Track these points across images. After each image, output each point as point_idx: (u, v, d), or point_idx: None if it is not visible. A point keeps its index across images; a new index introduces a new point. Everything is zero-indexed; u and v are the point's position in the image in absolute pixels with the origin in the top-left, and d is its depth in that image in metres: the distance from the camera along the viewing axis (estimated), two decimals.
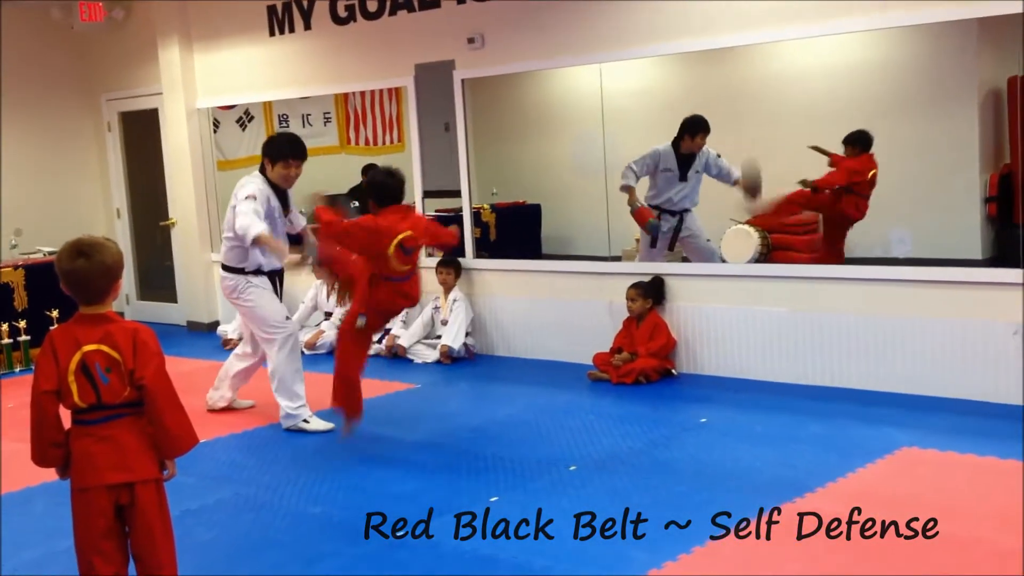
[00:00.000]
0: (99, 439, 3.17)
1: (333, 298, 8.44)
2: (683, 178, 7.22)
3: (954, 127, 6.64)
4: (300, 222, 6.19)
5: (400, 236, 5.21)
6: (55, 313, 8.11)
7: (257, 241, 5.60)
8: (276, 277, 6.05)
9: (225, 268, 5.97)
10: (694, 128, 7.12)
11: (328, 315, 8.48)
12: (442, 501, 4.54)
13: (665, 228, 7.25)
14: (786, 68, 7.16)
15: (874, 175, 6.64)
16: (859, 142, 6.65)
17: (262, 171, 5.93)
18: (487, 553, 3.95)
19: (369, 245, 5.27)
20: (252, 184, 5.85)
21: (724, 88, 7.57)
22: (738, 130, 7.56)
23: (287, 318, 6.02)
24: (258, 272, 5.93)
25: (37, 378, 3.18)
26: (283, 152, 5.89)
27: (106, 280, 3.19)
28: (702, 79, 7.65)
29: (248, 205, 5.69)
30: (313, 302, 8.58)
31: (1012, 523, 3.95)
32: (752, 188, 7.06)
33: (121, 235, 10.56)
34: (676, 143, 7.19)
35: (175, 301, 10.15)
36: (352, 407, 5.53)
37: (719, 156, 7.19)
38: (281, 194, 5.98)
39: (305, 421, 5.89)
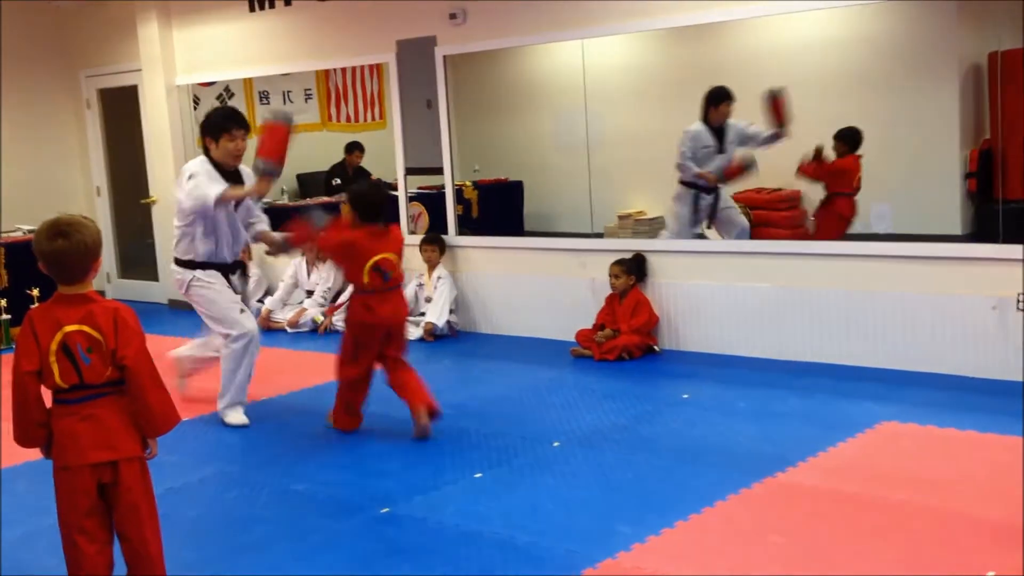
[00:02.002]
0: (82, 418, 3.16)
1: (314, 276, 8.46)
2: (721, 150, 7.09)
3: (935, 103, 6.66)
4: (261, 219, 5.83)
5: (375, 258, 5.08)
6: (35, 292, 8.06)
7: (222, 199, 5.25)
8: (231, 271, 5.64)
9: (176, 261, 5.61)
10: (716, 98, 7.01)
11: (309, 293, 8.47)
12: (426, 478, 4.56)
13: (703, 204, 7.14)
14: (768, 44, 7.15)
15: (858, 179, 6.72)
16: (848, 140, 6.67)
17: (206, 154, 5.52)
18: (472, 529, 3.97)
19: (343, 261, 5.22)
20: (193, 164, 5.47)
21: (705, 64, 7.56)
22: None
23: (241, 311, 5.58)
24: (207, 265, 5.51)
25: (18, 359, 3.16)
26: (221, 125, 5.45)
27: (86, 260, 3.16)
28: (683, 55, 7.64)
29: (197, 180, 5.32)
30: (293, 279, 8.56)
31: (991, 495, 4.00)
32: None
33: (101, 213, 10.48)
34: (704, 118, 7.07)
35: (156, 279, 10.10)
36: (351, 427, 5.39)
37: (750, 124, 7.04)
38: (230, 176, 5.48)
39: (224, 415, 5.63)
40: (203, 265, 5.52)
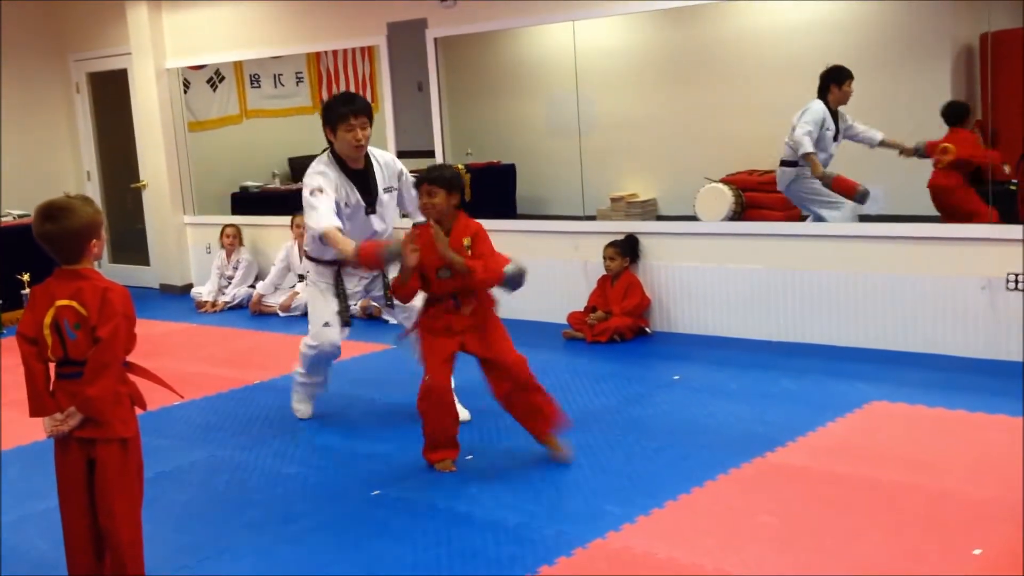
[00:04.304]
0: (70, 394, 3.19)
1: (306, 260, 8.43)
2: (836, 137, 6.51)
3: (927, 84, 6.65)
4: (411, 196, 4.98)
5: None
6: (26, 276, 8.03)
7: (325, 240, 4.66)
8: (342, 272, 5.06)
9: (304, 254, 5.26)
10: (841, 76, 6.38)
11: (301, 277, 8.45)
12: (416, 460, 4.56)
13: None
14: (760, 25, 7.14)
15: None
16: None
17: (331, 150, 4.94)
18: (463, 510, 3.98)
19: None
20: (316, 174, 4.82)
21: (697, 46, 7.55)
22: (711, 88, 7.55)
23: (325, 324, 5.05)
24: (320, 261, 5.06)
25: (21, 330, 3.26)
26: (337, 112, 4.82)
27: (75, 243, 3.21)
28: (675, 37, 7.62)
29: (317, 201, 4.72)
30: (285, 263, 8.53)
31: (980, 474, 4.02)
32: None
33: (92, 198, 10.44)
34: (823, 97, 6.48)
35: (147, 264, 10.09)
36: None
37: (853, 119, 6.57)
38: (357, 176, 4.92)
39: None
40: (319, 261, 5.08)
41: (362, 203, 4.96)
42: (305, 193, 4.82)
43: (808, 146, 6.40)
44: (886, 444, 4.43)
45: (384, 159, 5.12)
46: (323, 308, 5.09)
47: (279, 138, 9.86)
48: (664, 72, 7.83)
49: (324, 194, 4.77)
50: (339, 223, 4.73)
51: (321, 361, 5.22)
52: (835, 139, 6.54)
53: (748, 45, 7.31)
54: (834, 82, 6.45)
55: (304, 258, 5.29)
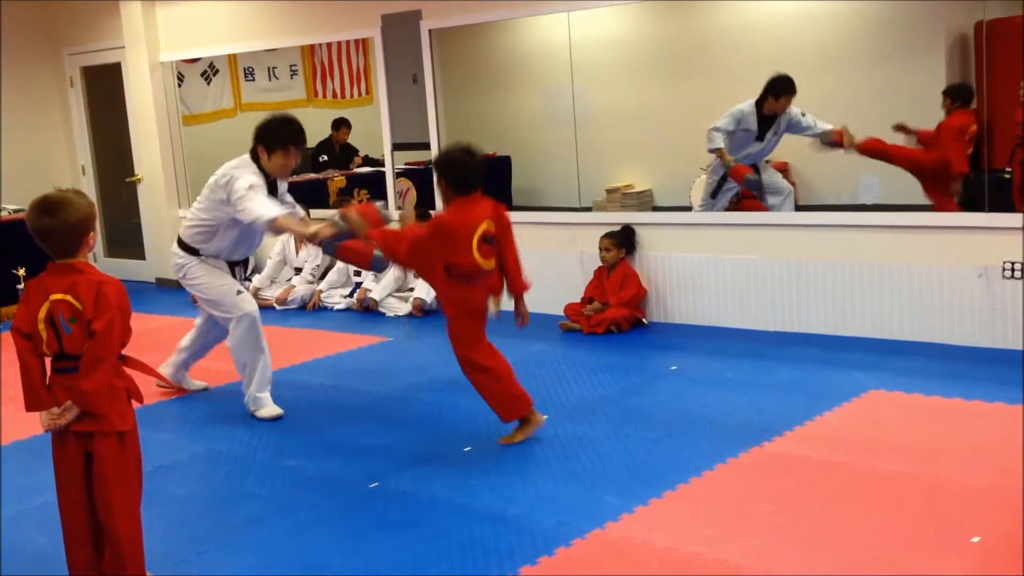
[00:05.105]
0: (66, 389, 3.19)
1: (303, 253, 8.45)
2: (759, 138, 6.78)
3: (921, 73, 6.64)
4: (299, 214, 5.52)
5: (481, 228, 4.47)
6: (22, 271, 8.02)
7: (274, 225, 4.95)
8: (237, 266, 5.49)
9: (179, 243, 5.41)
10: (778, 89, 6.59)
11: (298, 270, 8.45)
12: (415, 452, 4.57)
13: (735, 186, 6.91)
14: (755, 16, 7.13)
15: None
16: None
17: (254, 158, 5.19)
18: (462, 502, 3.98)
19: (449, 250, 4.47)
20: (249, 173, 5.10)
21: (692, 37, 7.54)
22: (707, 79, 7.54)
23: (239, 292, 5.37)
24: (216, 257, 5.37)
25: (16, 325, 3.25)
26: (284, 137, 5.13)
27: (71, 237, 3.20)
28: (670, 29, 7.61)
29: (255, 193, 5.00)
30: (281, 256, 8.54)
31: (977, 462, 4.03)
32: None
33: (86, 192, 10.40)
34: (760, 103, 6.71)
35: (143, 258, 10.07)
36: (519, 406, 4.68)
37: (804, 113, 6.68)
38: (271, 185, 5.26)
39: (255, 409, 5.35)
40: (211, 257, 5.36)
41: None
42: (241, 185, 5.02)
43: (712, 144, 6.82)
44: (883, 433, 4.44)
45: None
46: (227, 282, 5.36)
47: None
48: (659, 63, 7.82)
49: (258, 189, 5.04)
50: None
51: (254, 332, 5.36)
52: (759, 139, 6.77)
53: (743, 36, 7.30)
54: (771, 94, 6.65)
55: (180, 248, 5.39)
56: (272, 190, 5.24)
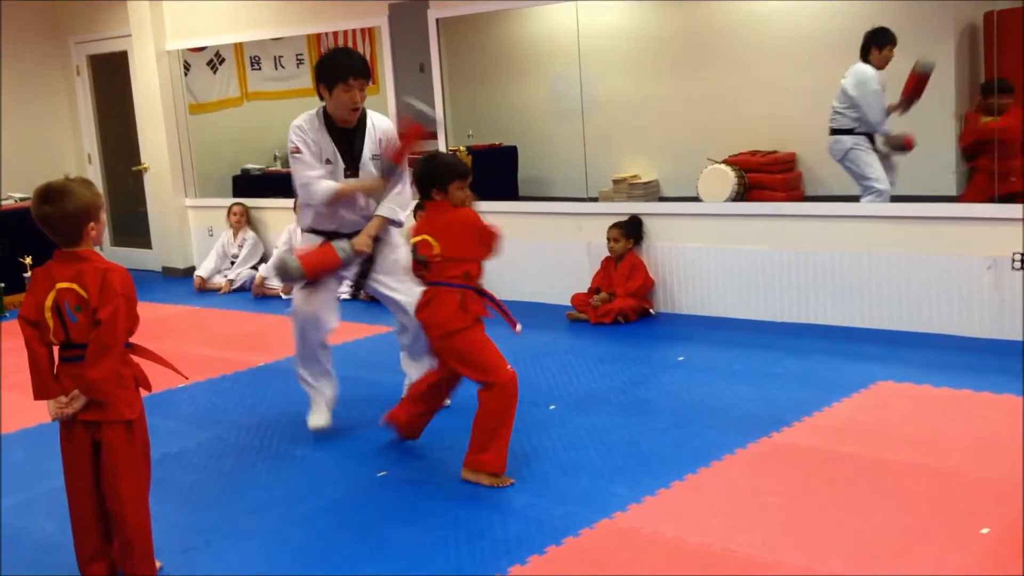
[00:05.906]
0: (73, 377, 3.19)
1: (237, 242, 8.50)
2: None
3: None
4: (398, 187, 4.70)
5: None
6: (28, 260, 8.03)
7: (338, 199, 4.47)
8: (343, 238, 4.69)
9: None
10: (883, 39, 6.25)
11: (233, 261, 8.52)
12: (422, 441, 4.56)
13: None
14: (763, 6, 7.12)
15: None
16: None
17: (322, 109, 4.62)
18: (469, 492, 3.98)
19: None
20: (295, 128, 4.57)
21: (700, 27, 7.53)
22: (714, 69, 7.53)
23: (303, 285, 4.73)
24: (315, 231, 4.73)
25: (23, 313, 3.25)
26: (335, 72, 4.46)
27: (73, 225, 3.19)
28: (677, 18, 7.60)
29: (300, 165, 4.53)
30: (288, 245, 8.51)
31: (986, 454, 4.02)
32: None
33: (93, 181, 10.41)
34: (866, 59, 6.34)
35: (150, 247, 10.08)
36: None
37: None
38: (342, 135, 4.60)
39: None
40: (310, 231, 4.75)
41: (342, 164, 4.64)
42: (291, 153, 4.60)
43: (884, 124, 6.30)
44: (892, 424, 4.43)
45: (382, 126, 4.74)
46: None
47: (280, 120, 9.70)
48: (666, 53, 7.80)
49: (302, 155, 4.56)
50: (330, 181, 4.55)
51: (306, 337, 4.78)
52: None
53: (751, 26, 7.29)
54: (874, 45, 6.28)
55: (303, 233, 4.86)
56: (344, 139, 4.60)
